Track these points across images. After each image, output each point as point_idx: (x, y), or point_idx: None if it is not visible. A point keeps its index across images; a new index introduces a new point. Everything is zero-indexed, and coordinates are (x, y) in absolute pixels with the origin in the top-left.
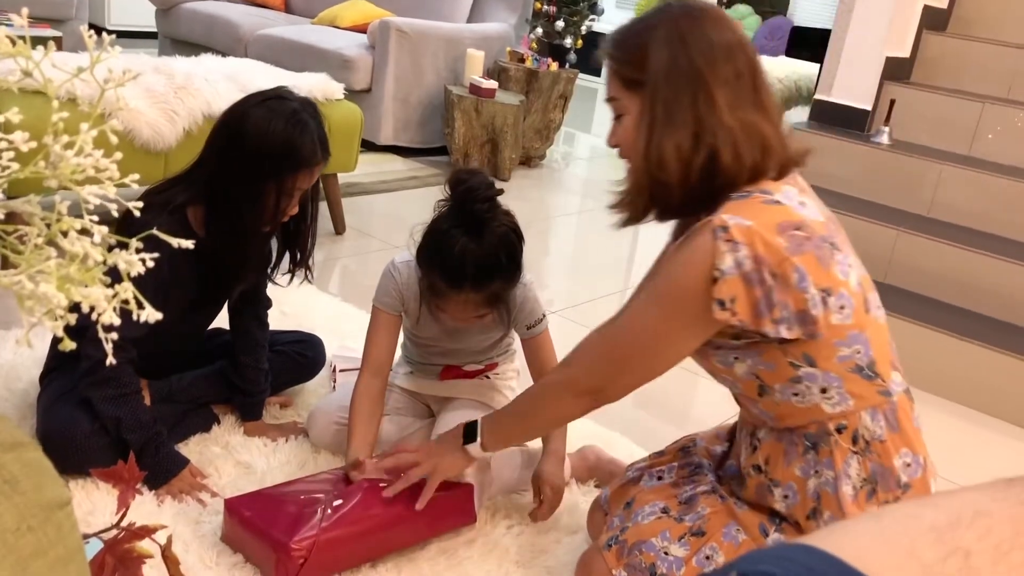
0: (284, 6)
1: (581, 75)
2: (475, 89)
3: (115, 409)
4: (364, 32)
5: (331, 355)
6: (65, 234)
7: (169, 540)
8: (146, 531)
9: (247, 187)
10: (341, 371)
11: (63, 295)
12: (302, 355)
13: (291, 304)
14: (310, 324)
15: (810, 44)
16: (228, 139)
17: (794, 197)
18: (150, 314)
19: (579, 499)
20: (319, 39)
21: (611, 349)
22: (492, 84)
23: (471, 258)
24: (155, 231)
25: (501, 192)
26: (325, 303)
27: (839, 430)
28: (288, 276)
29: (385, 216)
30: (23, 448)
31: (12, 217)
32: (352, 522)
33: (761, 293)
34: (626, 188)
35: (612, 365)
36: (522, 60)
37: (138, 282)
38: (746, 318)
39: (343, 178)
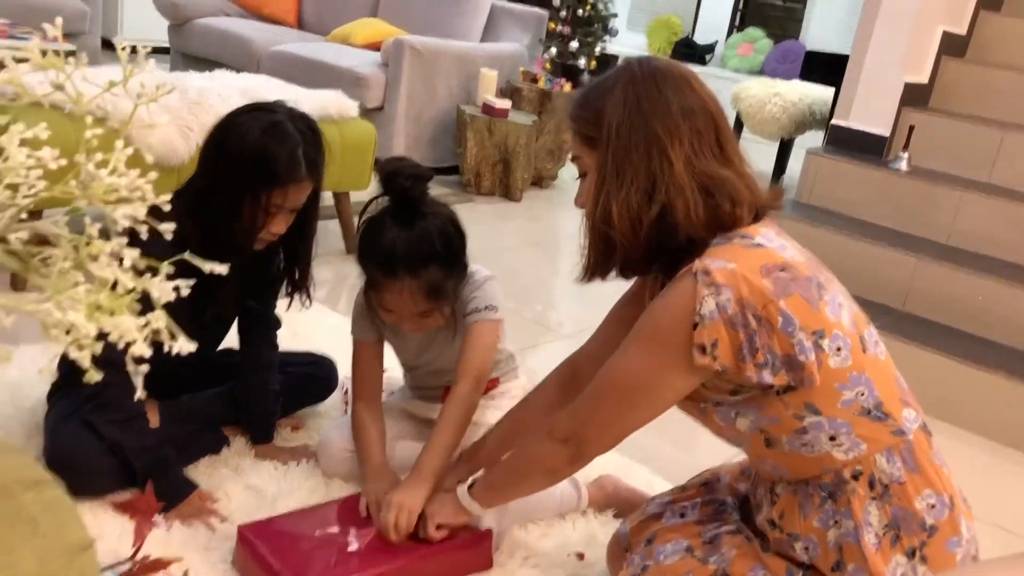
0: (297, 23)
1: None
2: (488, 109)
3: (119, 433)
4: (377, 50)
5: (343, 377)
6: (95, 258)
7: (185, 575)
8: (161, 564)
9: (224, 200)
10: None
11: (93, 325)
12: (314, 377)
13: (301, 324)
14: (321, 345)
15: (823, 68)
16: (212, 148)
17: (774, 239)
18: (183, 346)
19: (597, 530)
20: (332, 56)
21: (592, 395)
22: (505, 104)
23: (402, 243)
24: (187, 256)
25: (431, 175)
26: (336, 324)
27: (855, 476)
28: (287, 299)
29: None
30: (43, 486)
31: (35, 238)
32: (365, 566)
33: (744, 336)
34: (584, 245)
35: (594, 412)
36: (535, 80)
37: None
38: (728, 363)
39: (354, 196)
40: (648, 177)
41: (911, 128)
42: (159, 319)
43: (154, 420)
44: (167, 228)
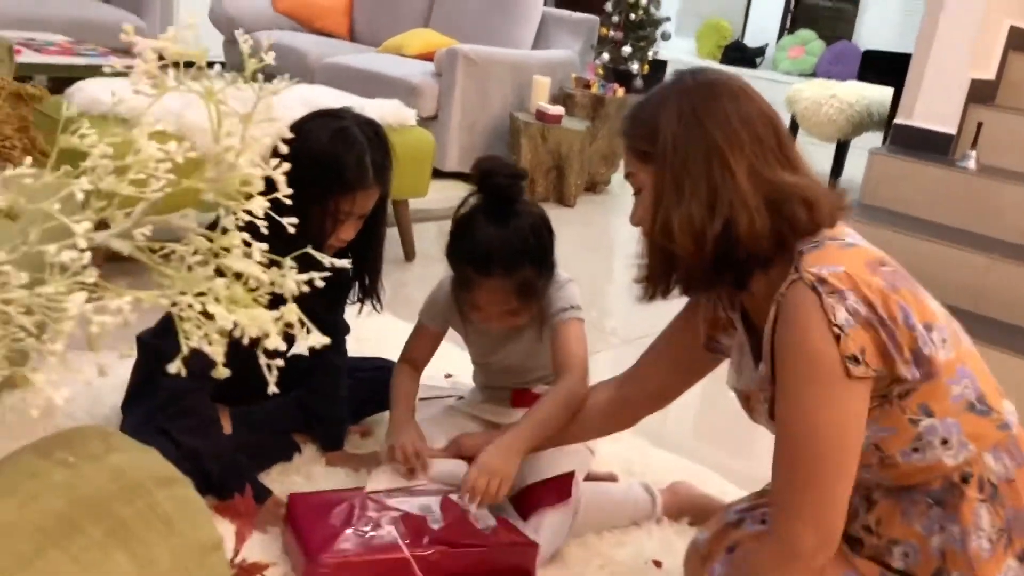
0: (349, 35)
1: None
2: (541, 115)
3: (193, 440)
4: (430, 60)
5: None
6: (227, 251)
7: None
8: (257, 568)
9: (292, 207)
10: (421, 400)
11: (233, 317)
12: (382, 383)
13: (365, 330)
14: (385, 351)
15: (881, 68)
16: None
17: (859, 237)
18: (317, 339)
19: (673, 538)
20: (385, 67)
21: (800, 482)
22: (559, 110)
23: (498, 240)
24: (309, 250)
25: (525, 175)
26: (399, 330)
27: (964, 480)
28: (357, 305)
29: None
30: (176, 484)
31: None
32: (384, 551)
33: (886, 336)
34: (643, 262)
35: (813, 496)
36: (588, 86)
37: None
38: (879, 367)
39: (413, 204)
40: (709, 189)
41: (979, 125)
42: (292, 312)
43: (227, 427)
44: (291, 221)
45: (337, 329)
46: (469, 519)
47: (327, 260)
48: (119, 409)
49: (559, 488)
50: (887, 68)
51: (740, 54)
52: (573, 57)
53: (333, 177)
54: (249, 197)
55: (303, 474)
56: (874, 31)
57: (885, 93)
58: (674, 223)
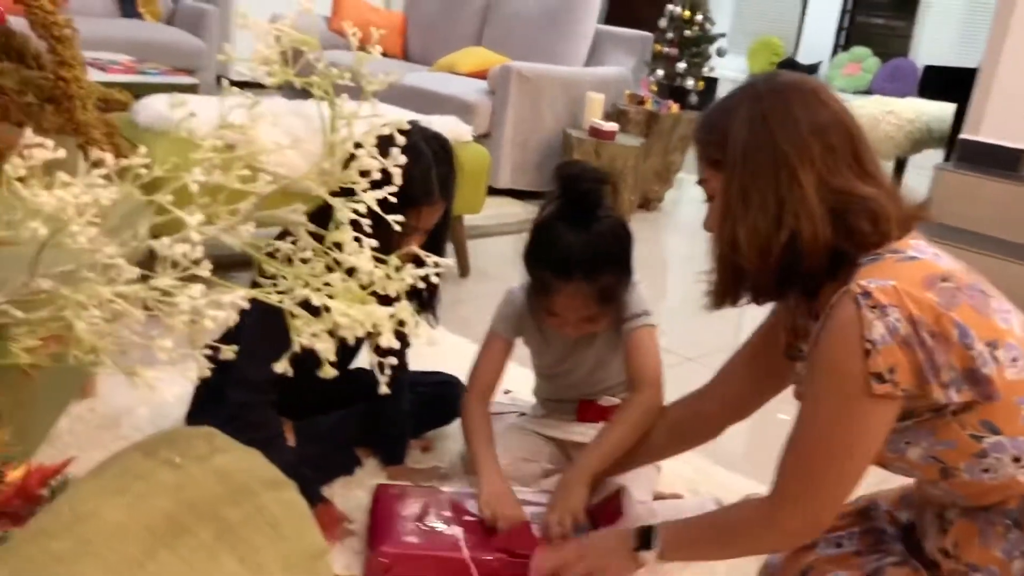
0: (402, 54)
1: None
2: (595, 132)
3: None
4: (482, 78)
5: None
6: (339, 247)
7: None
8: None
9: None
10: None
11: (350, 312)
12: (443, 397)
13: (420, 345)
14: (440, 366)
15: (940, 84)
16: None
17: (927, 250)
18: (430, 337)
19: (742, 560)
20: (439, 85)
21: (803, 474)
22: (613, 127)
23: (580, 245)
24: (414, 249)
25: (608, 179)
26: (454, 345)
27: None
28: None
29: (505, 259)
30: (282, 487)
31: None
32: (438, 548)
33: (923, 357)
34: (713, 272)
35: (812, 491)
36: (642, 103)
37: (283, 317)
38: (911, 387)
39: (468, 220)
40: (776, 201)
41: None
42: (405, 310)
43: (290, 439)
44: (395, 219)
45: (401, 342)
46: (531, 529)
47: (431, 259)
48: (183, 422)
49: (613, 507)
50: (949, 83)
51: (793, 71)
52: (626, 74)
53: (399, 191)
54: (365, 190)
55: (365, 488)
56: (931, 47)
57: (944, 109)
58: (740, 235)
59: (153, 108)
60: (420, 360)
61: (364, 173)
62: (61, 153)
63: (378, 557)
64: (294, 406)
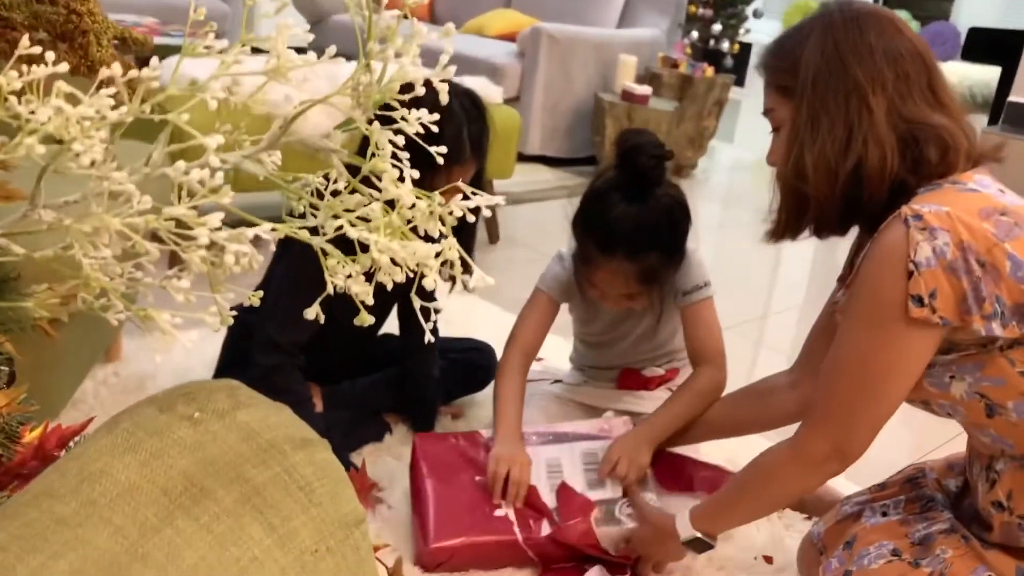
0: (429, 16)
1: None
2: (628, 95)
3: None
4: (511, 41)
5: None
6: (379, 177)
7: (398, 562)
8: (375, 548)
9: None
10: None
11: (397, 249)
12: (474, 364)
13: (450, 312)
14: (472, 333)
15: (988, 45)
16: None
17: (990, 185)
18: (479, 279)
19: (782, 533)
20: (467, 48)
21: (834, 397)
22: (646, 90)
23: (628, 221)
24: (459, 184)
25: (671, 155)
26: (485, 311)
27: None
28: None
29: (535, 225)
30: (314, 447)
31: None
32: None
33: (968, 284)
34: (775, 204)
35: (845, 413)
36: (675, 66)
37: (310, 275)
38: (949, 314)
39: (496, 185)
40: (845, 127)
41: None
42: (453, 249)
43: (319, 405)
44: (438, 150)
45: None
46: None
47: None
48: None
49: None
50: (995, 45)
51: None
52: (660, 36)
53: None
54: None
55: (395, 454)
56: (973, 9)
57: (988, 74)
58: (808, 161)
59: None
60: (450, 327)
61: (406, 88)
62: (63, 67)
63: (432, 553)
64: (322, 371)
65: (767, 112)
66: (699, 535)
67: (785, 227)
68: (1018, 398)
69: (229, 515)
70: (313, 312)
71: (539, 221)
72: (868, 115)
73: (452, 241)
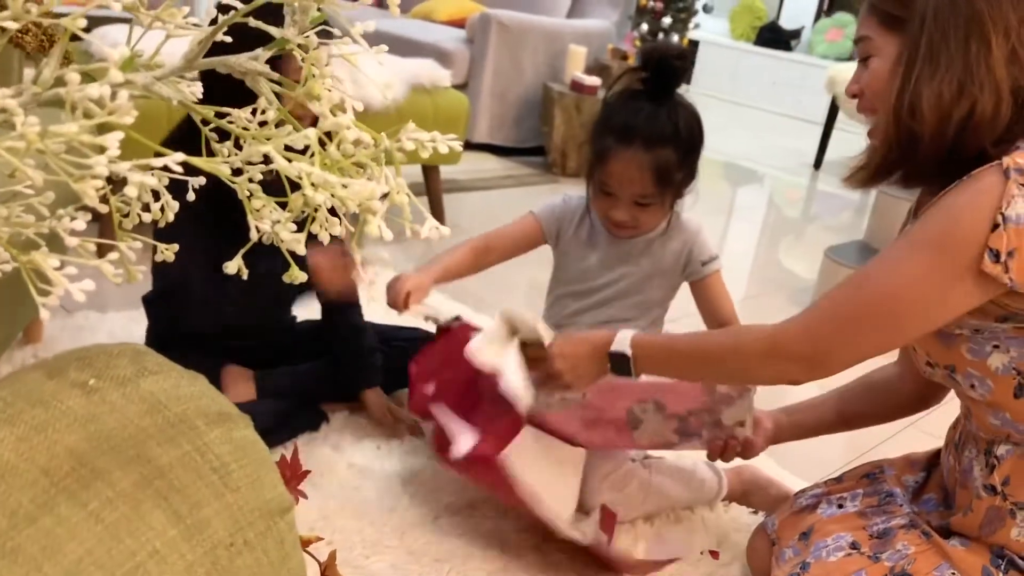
0: (377, 0)
1: None
2: (577, 86)
3: None
4: (460, 26)
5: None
6: (317, 98)
7: (332, 557)
8: (304, 543)
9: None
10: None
11: (337, 187)
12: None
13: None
14: (419, 322)
15: None
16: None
17: None
18: (432, 227)
19: (728, 527)
20: (415, 32)
21: (846, 304)
22: (595, 81)
23: (647, 114)
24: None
25: (690, 57)
26: (432, 300)
27: None
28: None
29: (481, 214)
30: (232, 423)
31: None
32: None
33: None
34: (872, 142)
35: (845, 323)
36: (624, 58)
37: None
38: (1021, 279)
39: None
40: (965, 67)
41: None
42: (402, 192)
43: (250, 392)
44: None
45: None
46: None
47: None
48: None
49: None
50: None
51: (775, 36)
52: (610, 27)
53: None
54: None
55: (331, 444)
56: None
57: None
58: (923, 100)
59: (109, 37)
60: (395, 315)
61: None
62: None
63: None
64: (254, 355)
65: (859, 40)
66: (629, 354)
67: (880, 171)
68: None
69: (125, 501)
70: (234, 267)
71: (485, 209)
72: (988, 57)
73: (401, 182)
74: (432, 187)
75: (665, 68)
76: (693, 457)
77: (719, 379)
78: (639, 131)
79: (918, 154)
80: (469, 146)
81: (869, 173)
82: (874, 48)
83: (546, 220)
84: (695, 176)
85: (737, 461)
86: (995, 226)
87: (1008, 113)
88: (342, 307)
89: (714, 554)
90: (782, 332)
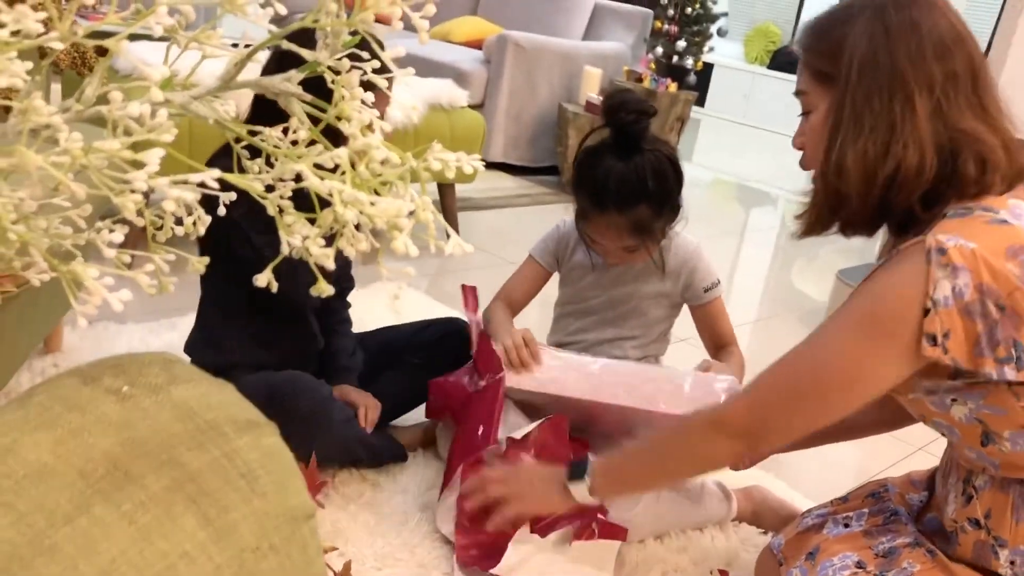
0: None
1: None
2: (591, 107)
3: None
4: (476, 47)
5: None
6: (348, 120)
7: (347, 567)
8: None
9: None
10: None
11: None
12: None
13: (408, 311)
14: None
15: None
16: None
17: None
18: (457, 244)
19: (738, 546)
20: (433, 53)
21: (784, 381)
22: None
23: (615, 178)
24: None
25: (655, 111)
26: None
27: None
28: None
29: (494, 232)
30: (260, 431)
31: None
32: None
33: (983, 328)
34: (809, 196)
35: (782, 400)
36: (639, 80)
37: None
38: (961, 356)
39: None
40: (889, 126)
41: None
42: (426, 207)
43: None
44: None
45: (348, 278)
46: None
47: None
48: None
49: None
50: None
51: (789, 60)
52: (625, 50)
53: None
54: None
55: None
56: None
57: None
58: (849, 159)
59: (135, 54)
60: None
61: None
62: None
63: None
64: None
65: (799, 93)
66: (587, 485)
67: (816, 223)
68: (1016, 429)
69: (157, 504)
70: (264, 280)
71: (499, 228)
72: (912, 117)
73: (426, 200)
74: (447, 205)
75: (623, 126)
76: (702, 478)
77: (668, 470)
78: (610, 196)
79: (847, 210)
80: (485, 165)
81: (809, 223)
82: (810, 103)
83: (543, 258)
84: (679, 211)
85: (747, 482)
86: (926, 311)
87: (933, 168)
88: (343, 327)
89: (724, 574)
90: (724, 406)
